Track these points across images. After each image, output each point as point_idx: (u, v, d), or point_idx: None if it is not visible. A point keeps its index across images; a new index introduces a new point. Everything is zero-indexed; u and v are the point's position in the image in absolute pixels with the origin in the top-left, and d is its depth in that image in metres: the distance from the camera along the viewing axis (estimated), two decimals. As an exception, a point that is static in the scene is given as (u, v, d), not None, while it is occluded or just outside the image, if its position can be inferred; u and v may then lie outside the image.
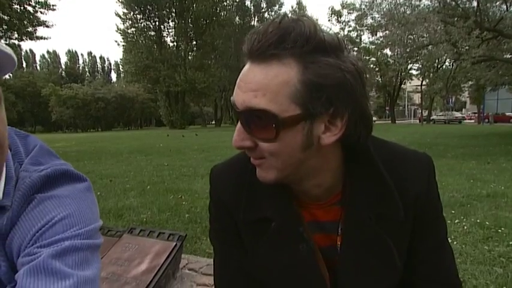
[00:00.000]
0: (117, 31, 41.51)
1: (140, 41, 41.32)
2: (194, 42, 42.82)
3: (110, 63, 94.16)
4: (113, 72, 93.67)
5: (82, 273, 0.50)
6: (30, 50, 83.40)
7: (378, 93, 48.57)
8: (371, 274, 0.68)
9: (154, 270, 1.90)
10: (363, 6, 14.57)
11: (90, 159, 9.32)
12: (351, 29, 23.97)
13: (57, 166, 0.60)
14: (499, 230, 3.18)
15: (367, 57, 33.00)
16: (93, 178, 6.28)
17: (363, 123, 0.62)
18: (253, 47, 0.56)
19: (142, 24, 41.81)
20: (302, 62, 0.55)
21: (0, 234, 0.53)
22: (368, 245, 0.67)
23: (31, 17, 16.04)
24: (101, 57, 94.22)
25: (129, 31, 41.62)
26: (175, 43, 43.03)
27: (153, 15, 41.51)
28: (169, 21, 42.63)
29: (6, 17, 15.06)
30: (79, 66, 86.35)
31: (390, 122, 42.48)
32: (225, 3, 43.42)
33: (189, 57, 42.29)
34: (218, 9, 41.70)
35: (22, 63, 75.65)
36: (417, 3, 12.50)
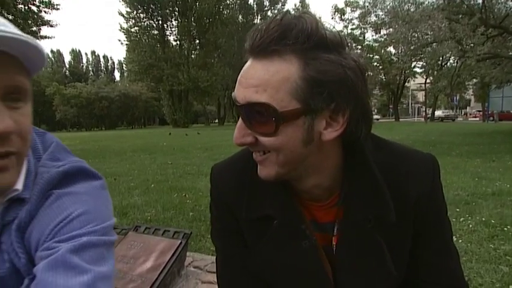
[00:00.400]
0: (120, 30, 41.67)
1: (143, 40, 41.41)
2: (197, 41, 42.87)
3: (113, 62, 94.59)
4: (116, 71, 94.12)
5: (99, 269, 0.51)
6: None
7: (381, 91, 48.37)
8: (366, 274, 0.67)
9: (159, 268, 1.91)
10: (367, 4, 14.52)
11: (94, 158, 9.37)
12: (354, 26, 23.82)
13: (74, 163, 0.62)
14: (505, 229, 3.16)
15: (371, 55, 32.86)
16: (97, 176, 6.31)
17: (364, 120, 0.62)
18: (254, 43, 0.57)
19: (145, 23, 41.91)
20: (303, 58, 0.55)
21: (20, 227, 0.54)
22: (362, 247, 0.66)
23: (35, 16, 16.15)
24: (104, 56, 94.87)
25: (132, 30, 41.73)
26: (178, 42, 43.12)
27: (156, 14, 41.59)
28: (173, 20, 42.70)
29: (11, 17, 15.14)
30: (83, 66, 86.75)
31: (394, 120, 42.31)
32: (228, 2, 43.43)
33: (192, 56, 42.37)
34: (221, 7, 41.70)
35: (26, 63, 75.89)
36: (421, 0, 12.42)
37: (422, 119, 39.43)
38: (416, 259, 0.70)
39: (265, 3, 51.68)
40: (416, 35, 12.93)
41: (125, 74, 68.47)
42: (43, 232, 0.53)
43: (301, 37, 0.54)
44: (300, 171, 0.64)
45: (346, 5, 19.55)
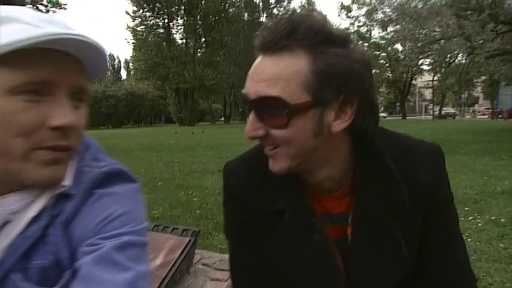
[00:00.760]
0: (126, 29, 41.87)
1: (149, 39, 41.55)
2: (203, 39, 42.88)
3: (119, 61, 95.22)
4: (122, 69, 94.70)
5: (139, 267, 0.54)
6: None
7: (388, 89, 48.04)
8: (381, 263, 0.70)
9: (168, 265, 1.92)
10: (374, 1, 14.41)
11: (101, 156, 9.46)
12: (360, 24, 23.67)
13: (114, 165, 0.64)
14: (515, 228, 3.13)
15: (377, 53, 32.61)
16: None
17: (371, 113, 0.65)
18: (264, 40, 0.60)
19: (151, 22, 42.03)
20: (312, 52, 0.58)
21: (66, 222, 0.56)
22: (377, 235, 0.68)
23: (43, 16, 16.35)
24: (110, 55, 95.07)
25: (138, 29, 41.90)
26: (184, 40, 43.20)
27: (162, 12, 41.69)
28: (178, 18, 42.75)
29: (19, 16, 15.36)
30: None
31: (401, 118, 42.00)
32: (233, 0, 43.31)
33: (198, 54, 42.42)
34: (227, 5, 41.64)
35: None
36: (429, -4, 12.32)
37: (430, 117, 39.10)
38: (424, 247, 0.71)
39: (270, 0, 51.54)
40: (423, 32, 12.82)
41: (131, 72, 68.90)
42: (86, 229, 0.56)
43: (309, 33, 0.57)
44: (310, 164, 0.66)
45: (353, 2, 19.45)
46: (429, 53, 15.04)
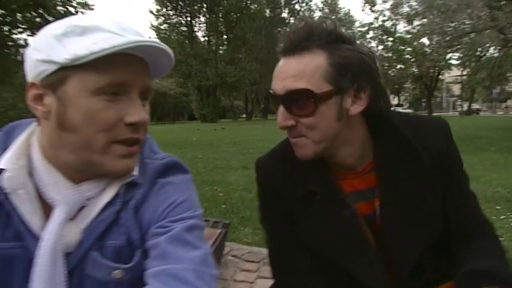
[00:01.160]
0: (150, 28, 42.76)
1: (172, 37, 42.19)
2: (225, 37, 43.13)
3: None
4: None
5: (206, 246, 0.61)
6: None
7: (413, 84, 46.52)
8: (412, 222, 0.76)
9: (200, 256, 1.99)
10: (399, -6, 14.01)
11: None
12: (385, 18, 23.10)
13: (170, 157, 0.73)
14: (550, 228, 3.01)
15: (402, 47, 31.63)
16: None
17: (382, 97, 0.76)
18: (286, 45, 0.73)
19: (174, 20, 42.67)
20: (328, 49, 0.70)
21: (136, 207, 0.64)
22: (405, 197, 0.76)
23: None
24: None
25: (161, 27, 42.67)
26: (206, 38, 43.57)
27: (184, 11, 42.20)
28: (201, 16, 43.16)
29: (51, 18, 15.98)
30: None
31: (427, 114, 40.69)
32: (255, -4, 43.23)
33: (220, 52, 42.70)
34: (248, 2, 41.62)
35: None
36: (459, -12, 11.83)
37: (457, 113, 37.68)
38: (445, 208, 0.79)
39: (292, -4, 51.05)
40: (452, 25, 12.36)
41: (155, 70, 70.21)
42: (154, 213, 0.63)
43: (323, 34, 0.70)
44: (334, 147, 0.75)
45: (378, -5, 18.95)
46: (458, 46, 14.52)
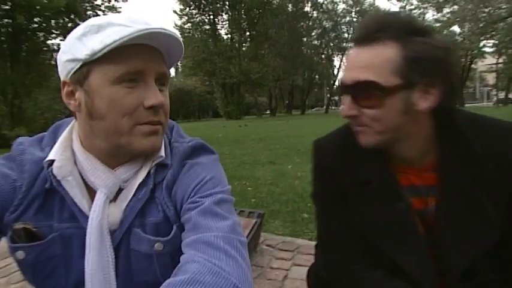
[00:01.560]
0: (174, 27, 43.41)
1: (196, 36, 42.76)
2: (248, 33, 43.22)
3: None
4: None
5: (234, 217, 0.66)
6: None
7: (444, 74, 44.57)
8: (468, 231, 0.74)
9: (238, 244, 2.08)
10: (428, -19, 13.49)
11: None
12: (412, 7, 22.25)
13: (197, 140, 0.79)
14: None
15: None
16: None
17: (452, 93, 0.73)
18: (359, 33, 0.71)
19: (197, 19, 43.17)
20: (401, 42, 0.68)
21: (168, 186, 0.71)
22: (464, 205, 0.74)
23: (101, 20, 17.59)
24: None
25: (185, 26, 43.29)
26: (229, 35, 43.83)
27: (207, 9, 42.60)
28: (223, 14, 43.44)
29: (81, 23, 16.69)
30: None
31: (459, 105, 38.92)
32: (277, -9, 42.96)
33: (243, 49, 42.86)
34: (270, -3, 41.46)
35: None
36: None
37: (491, 104, 35.82)
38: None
39: (315, -11, 50.21)
40: (486, 11, 11.75)
41: (180, 69, 71.57)
42: (186, 191, 0.69)
43: (397, 25, 0.68)
44: (396, 138, 0.74)
45: (404, -17, 18.30)
46: (493, 33, 13.78)
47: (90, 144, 0.69)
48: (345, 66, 0.75)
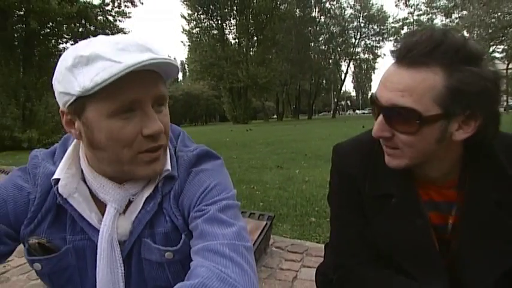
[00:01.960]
0: (182, 32, 43.90)
1: (204, 40, 43.05)
2: (255, 38, 43.38)
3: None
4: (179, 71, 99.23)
5: (239, 223, 0.68)
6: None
7: (453, 80, 44.14)
8: (490, 251, 0.73)
9: (249, 246, 2.13)
10: (436, -13, 13.46)
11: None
12: (421, 12, 22.18)
13: (201, 148, 0.80)
14: None
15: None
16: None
17: (493, 125, 0.69)
18: (403, 53, 0.66)
19: (205, 24, 43.49)
20: (448, 70, 0.63)
21: (175, 196, 0.73)
22: (487, 225, 0.73)
23: (111, 25, 17.83)
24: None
25: (193, 31, 43.61)
26: (237, 40, 44.04)
27: (215, 14, 42.93)
28: (231, 19, 43.70)
29: (92, 28, 16.97)
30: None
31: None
32: (285, -3, 43.16)
33: (251, 53, 42.99)
34: (278, 3, 41.63)
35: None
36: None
37: (502, 110, 35.34)
38: None
39: (323, -6, 50.33)
40: (496, 16, 11.68)
41: (187, 73, 72.04)
42: (192, 199, 0.71)
43: (449, 52, 0.63)
44: (424, 162, 0.73)
45: (413, -11, 18.23)
46: (503, 38, 13.67)
47: (96, 166, 0.71)
48: (381, 84, 0.70)
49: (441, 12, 15.48)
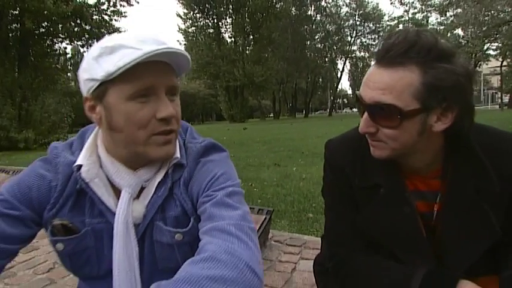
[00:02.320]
0: (178, 31, 43.75)
1: (200, 39, 42.96)
2: (251, 37, 43.33)
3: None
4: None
5: (244, 207, 0.74)
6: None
7: (448, 77, 44.35)
8: (470, 235, 0.79)
9: (248, 239, 2.18)
10: (431, -15, 13.54)
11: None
12: (415, 10, 22.31)
13: (209, 140, 0.87)
14: None
15: (436, 40, 30.18)
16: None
17: (468, 116, 0.76)
18: (382, 54, 0.73)
19: (201, 23, 43.40)
20: (423, 68, 0.69)
21: (185, 183, 0.79)
22: (467, 211, 0.79)
23: (107, 25, 17.75)
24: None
25: (189, 30, 43.52)
26: (233, 39, 43.95)
27: (211, 13, 42.81)
28: (227, 17, 43.61)
29: (88, 27, 16.91)
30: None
31: None
32: (280, -5, 43.13)
33: (247, 52, 42.93)
34: (274, 1, 41.60)
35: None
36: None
37: (497, 107, 35.65)
38: (509, 225, 0.80)
39: (318, -7, 50.35)
40: (490, 14, 11.78)
41: (184, 73, 71.73)
42: (200, 186, 0.77)
43: (422, 51, 0.69)
44: (407, 153, 0.80)
45: (407, -13, 18.33)
46: (497, 36, 13.80)
47: (113, 151, 0.76)
48: (364, 83, 0.76)
49: (436, 10, 15.57)
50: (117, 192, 0.78)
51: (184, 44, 44.35)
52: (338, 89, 65.15)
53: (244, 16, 41.64)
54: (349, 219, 0.90)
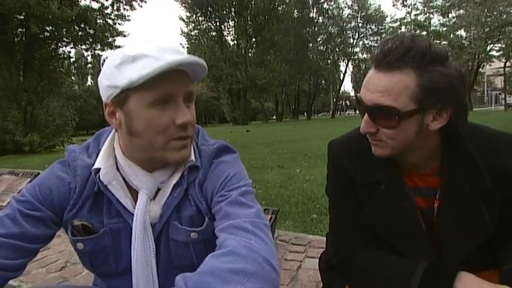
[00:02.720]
0: (181, 34, 43.87)
1: (203, 42, 42.97)
2: (254, 39, 43.35)
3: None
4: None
5: (257, 206, 0.78)
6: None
7: (451, 79, 44.15)
8: (465, 230, 0.84)
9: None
10: (433, -14, 13.55)
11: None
12: (418, 12, 22.30)
13: (220, 142, 0.91)
14: None
15: (438, 41, 30.28)
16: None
17: (462, 115, 0.81)
18: (380, 59, 0.78)
19: (204, 26, 43.42)
20: (418, 71, 0.75)
21: (200, 184, 0.83)
22: (463, 207, 0.84)
23: (111, 28, 17.87)
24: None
25: (192, 33, 43.56)
26: (235, 41, 44.01)
27: (214, 16, 42.89)
28: (229, 20, 43.69)
29: (92, 31, 17.05)
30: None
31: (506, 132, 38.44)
32: (283, -2, 43.23)
33: (249, 54, 42.92)
34: (276, 4, 41.66)
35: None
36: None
37: (501, 107, 35.47)
38: (503, 220, 0.84)
39: (320, -5, 50.45)
40: (493, 15, 11.78)
41: (186, 75, 71.86)
42: (215, 186, 0.81)
43: (417, 56, 0.74)
44: (406, 150, 0.85)
45: (410, -11, 18.33)
46: (500, 36, 13.78)
47: (130, 154, 0.80)
48: (364, 86, 0.81)
49: (438, 11, 15.57)
50: (133, 193, 0.81)
51: (187, 47, 44.39)
52: (340, 91, 65.15)
53: (246, 19, 41.73)
54: (352, 216, 0.95)
